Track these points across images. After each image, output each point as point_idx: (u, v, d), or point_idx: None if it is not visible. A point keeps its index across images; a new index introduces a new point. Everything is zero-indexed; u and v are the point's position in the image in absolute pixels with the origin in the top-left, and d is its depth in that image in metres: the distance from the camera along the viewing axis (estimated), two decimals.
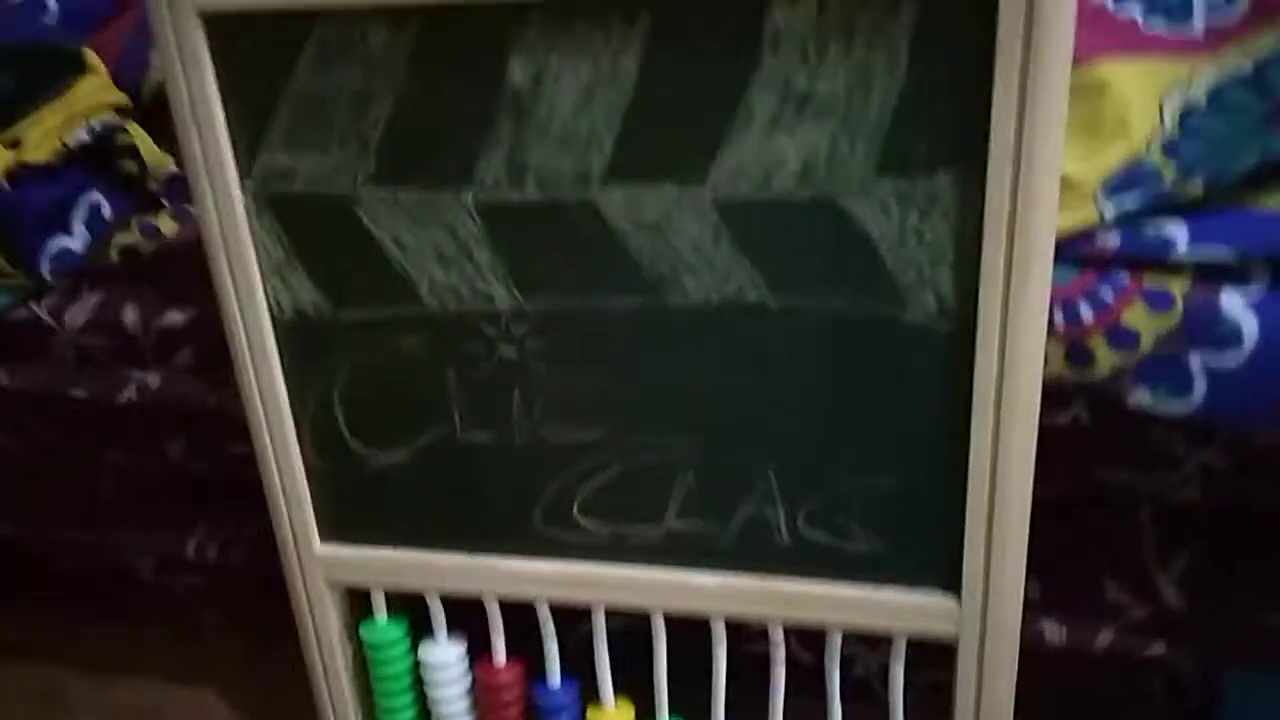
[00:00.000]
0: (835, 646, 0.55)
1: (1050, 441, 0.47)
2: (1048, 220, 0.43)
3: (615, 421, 0.54)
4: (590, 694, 0.62)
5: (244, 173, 0.53)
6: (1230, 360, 0.44)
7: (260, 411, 0.57)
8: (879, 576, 0.53)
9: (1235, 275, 0.44)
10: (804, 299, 0.49)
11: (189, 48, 0.50)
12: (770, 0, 0.43)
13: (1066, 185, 0.47)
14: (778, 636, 0.56)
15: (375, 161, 0.51)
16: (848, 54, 0.43)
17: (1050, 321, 0.46)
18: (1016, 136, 0.42)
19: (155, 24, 0.50)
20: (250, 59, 0.51)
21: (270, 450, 0.58)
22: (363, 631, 0.63)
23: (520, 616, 0.60)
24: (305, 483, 0.59)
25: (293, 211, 0.53)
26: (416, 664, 0.64)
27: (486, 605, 0.60)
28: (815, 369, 0.50)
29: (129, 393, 0.63)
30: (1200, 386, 0.45)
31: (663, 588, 0.56)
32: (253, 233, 0.54)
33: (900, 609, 0.53)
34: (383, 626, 0.63)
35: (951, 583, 0.52)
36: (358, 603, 0.64)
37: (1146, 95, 0.48)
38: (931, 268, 0.46)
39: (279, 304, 0.55)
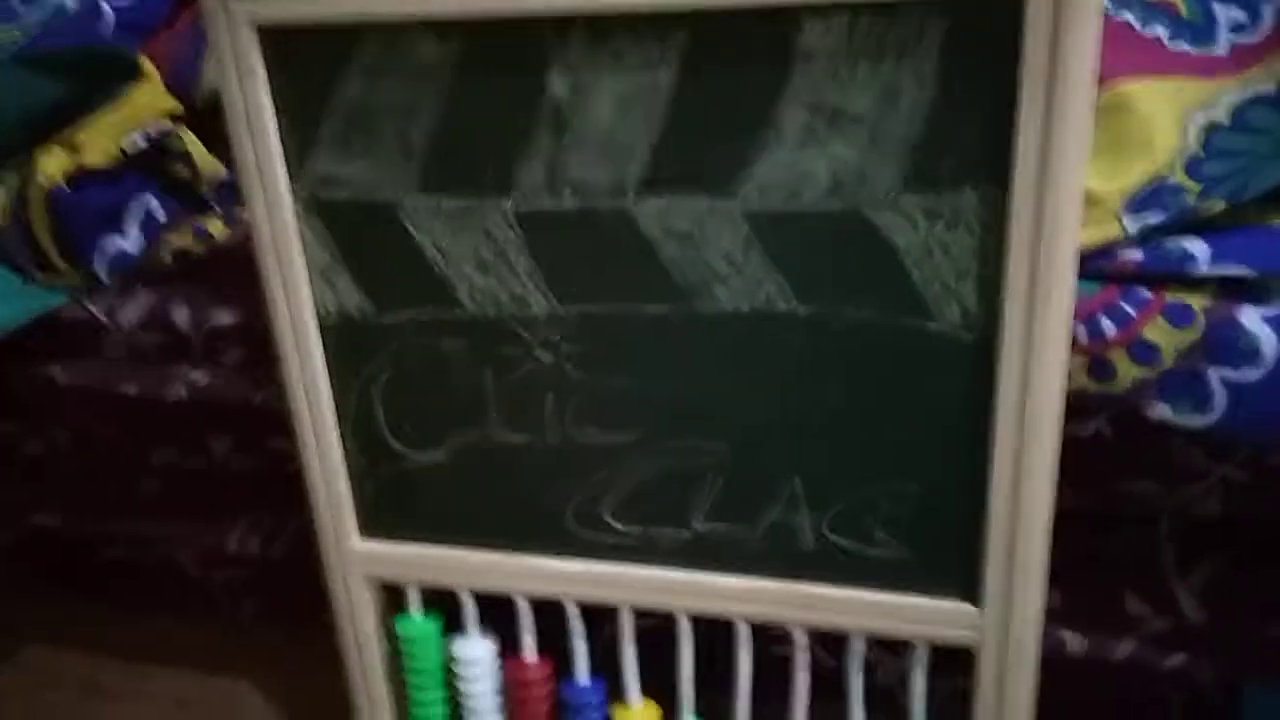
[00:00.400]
0: (857, 652, 0.56)
1: (1072, 453, 0.48)
2: (1071, 236, 0.44)
3: (646, 425, 0.55)
4: (617, 693, 0.63)
5: (293, 179, 0.55)
6: (1249, 375, 0.45)
7: (304, 410, 0.59)
8: (901, 583, 0.54)
9: (1255, 292, 0.45)
10: (832, 308, 0.50)
11: (243, 58, 0.52)
12: (802, 18, 0.45)
13: (1090, 201, 0.48)
14: (801, 640, 0.57)
15: (420, 170, 0.53)
16: (876, 71, 0.45)
17: (1073, 335, 0.47)
18: (1041, 154, 0.43)
19: (212, 35, 0.52)
20: (302, 69, 0.53)
21: (313, 447, 0.60)
22: (397, 626, 0.65)
23: (551, 615, 0.62)
24: (345, 480, 0.61)
25: (339, 217, 0.55)
26: (448, 659, 0.66)
27: (517, 603, 0.62)
28: (842, 377, 0.51)
29: (178, 390, 0.65)
30: (1220, 401, 0.46)
31: (688, 589, 0.58)
32: (301, 237, 0.56)
33: (922, 615, 0.54)
34: (417, 622, 0.65)
35: (973, 590, 0.53)
36: (393, 598, 0.65)
37: (1170, 114, 0.49)
38: (957, 281, 0.47)
39: (324, 306, 0.57)
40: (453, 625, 0.65)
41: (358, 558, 0.62)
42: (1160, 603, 0.55)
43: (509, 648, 0.65)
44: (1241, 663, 0.54)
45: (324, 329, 0.58)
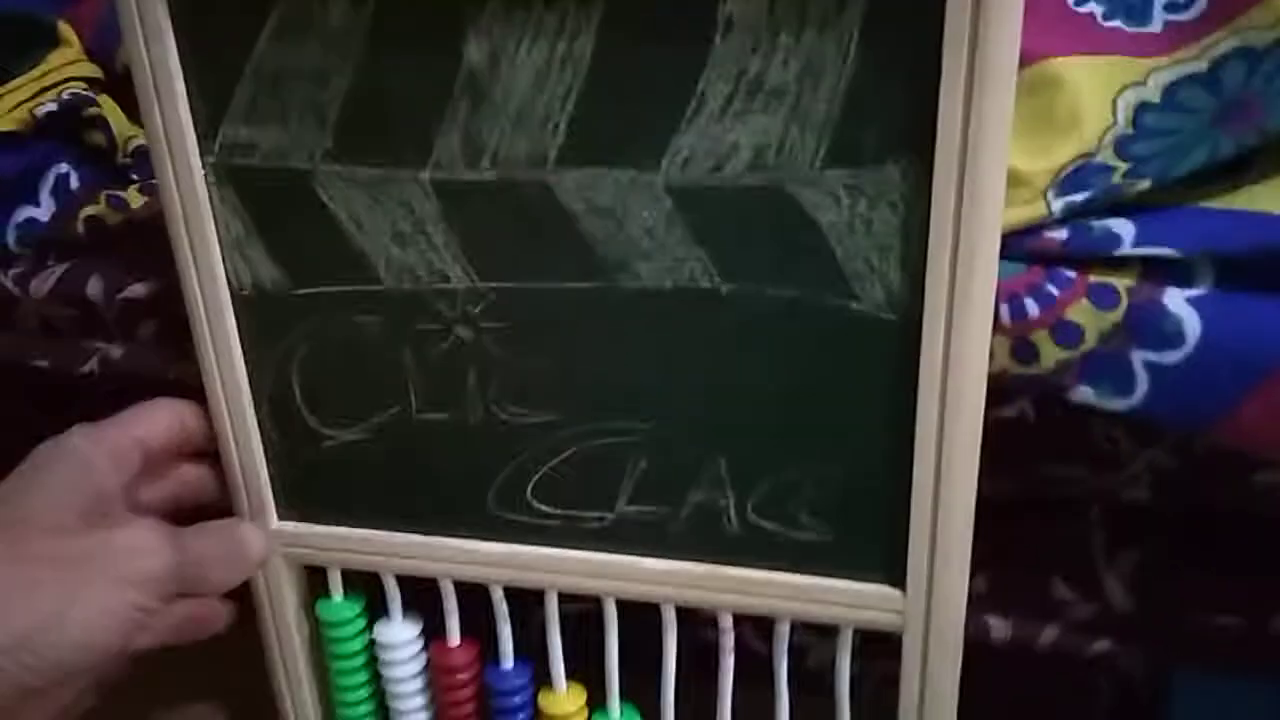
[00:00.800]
0: (783, 635, 0.56)
1: (996, 437, 0.47)
2: (994, 214, 0.43)
3: (568, 405, 0.54)
4: (543, 677, 0.62)
5: (205, 146, 0.53)
6: (1171, 357, 0.44)
7: (219, 386, 0.58)
8: (826, 566, 0.53)
9: (1180, 272, 0.45)
10: (755, 287, 0.49)
11: (151, 20, 0.50)
12: None
13: (1016, 180, 0.47)
14: (727, 623, 0.56)
15: (333, 137, 0.51)
16: (798, 43, 0.44)
17: (996, 316, 0.46)
18: (963, 130, 0.42)
19: None
20: (213, 32, 0.51)
21: (228, 425, 0.58)
22: (319, 610, 0.64)
23: (477, 599, 0.61)
24: (263, 458, 0.59)
25: (253, 186, 0.54)
26: (372, 644, 0.64)
27: (441, 586, 0.61)
28: (766, 357, 0.50)
29: (92, 364, 0.63)
30: (1142, 383, 0.45)
31: (613, 571, 0.56)
32: (213, 206, 0.54)
33: (847, 598, 0.53)
34: (338, 605, 0.63)
35: (897, 574, 0.52)
36: (315, 582, 0.64)
37: (1101, 92, 0.48)
38: (880, 259, 0.46)
39: (238, 279, 0.56)
40: (377, 609, 0.64)
41: (276, 537, 0.61)
42: (1088, 589, 0.55)
43: (434, 629, 0.63)
44: (1170, 650, 0.54)
45: (238, 303, 0.56)
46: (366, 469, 0.58)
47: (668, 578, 0.56)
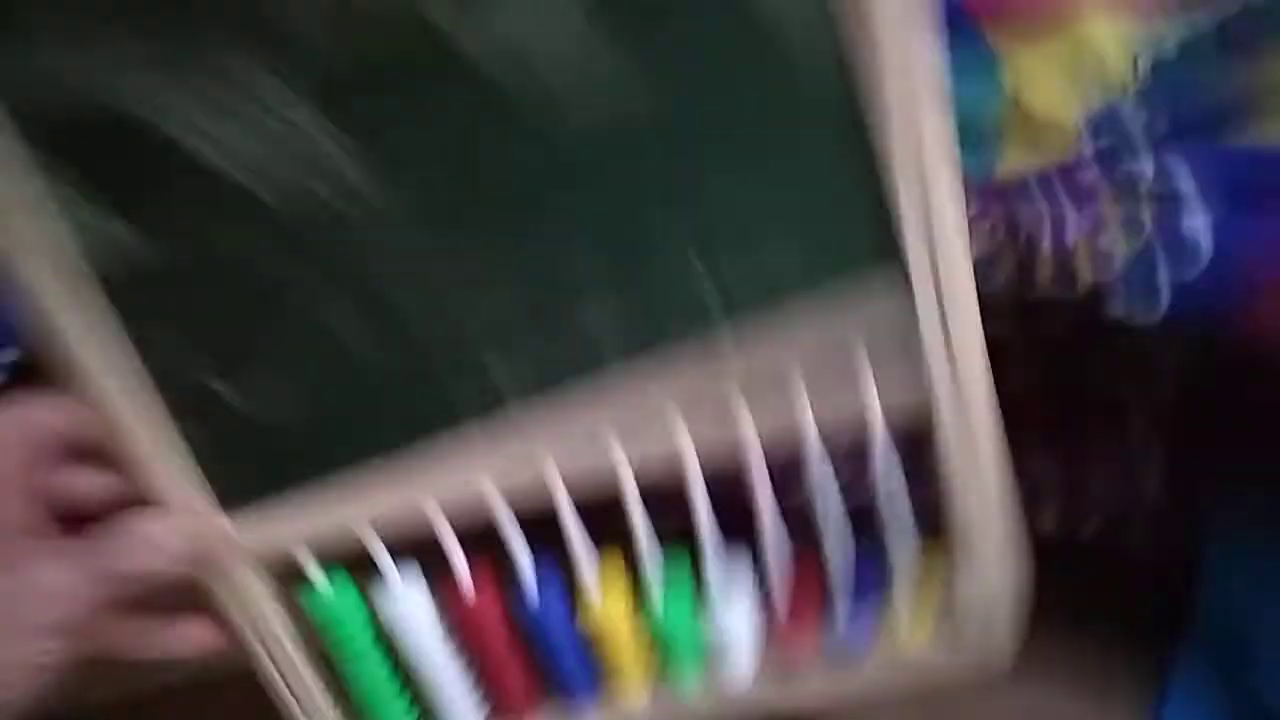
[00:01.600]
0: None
1: (1039, 354, 0.53)
2: None
3: (507, 259, 0.48)
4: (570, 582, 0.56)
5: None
6: (1189, 273, 0.52)
7: (97, 383, 0.48)
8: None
9: (1195, 202, 0.53)
10: (693, 95, 0.44)
11: None
12: None
13: (1051, 124, 0.54)
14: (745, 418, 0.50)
15: (161, 48, 0.42)
16: None
17: (1039, 247, 0.52)
18: None
19: None
20: None
21: (128, 427, 0.49)
22: (302, 603, 0.56)
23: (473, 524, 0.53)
24: (185, 451, 0.50)
25: (74, 132, 0.44)
26: (374, 619, 0.57)
27: (432, 518, 0.53)
28: (714, 146, 0.45)
29: None
30: (1166, 298, 0.53)
31: (617, 410, 0.50)
32: (31, 165, 0.44)
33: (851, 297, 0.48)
34: (324, 593, 0.55)
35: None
36: (292, 580, 0.55)
37: (1122, 43, 0.56)
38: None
39: (92, 253, 0.46)
40: (370, 586, 0.56)
41: (229, 542, 0.52)
42: (1124, 481, 0.61)
43: (439, 583, 0.56)
44: (1201, 531, 0.61)
45: (101, 283, 0.46)
46: (304, 416, 0.50)
47: (667, 391, 0.50)
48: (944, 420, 0.49)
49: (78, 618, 0.46)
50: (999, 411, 0.49)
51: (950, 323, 0.47)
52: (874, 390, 0.49)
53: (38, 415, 0.49)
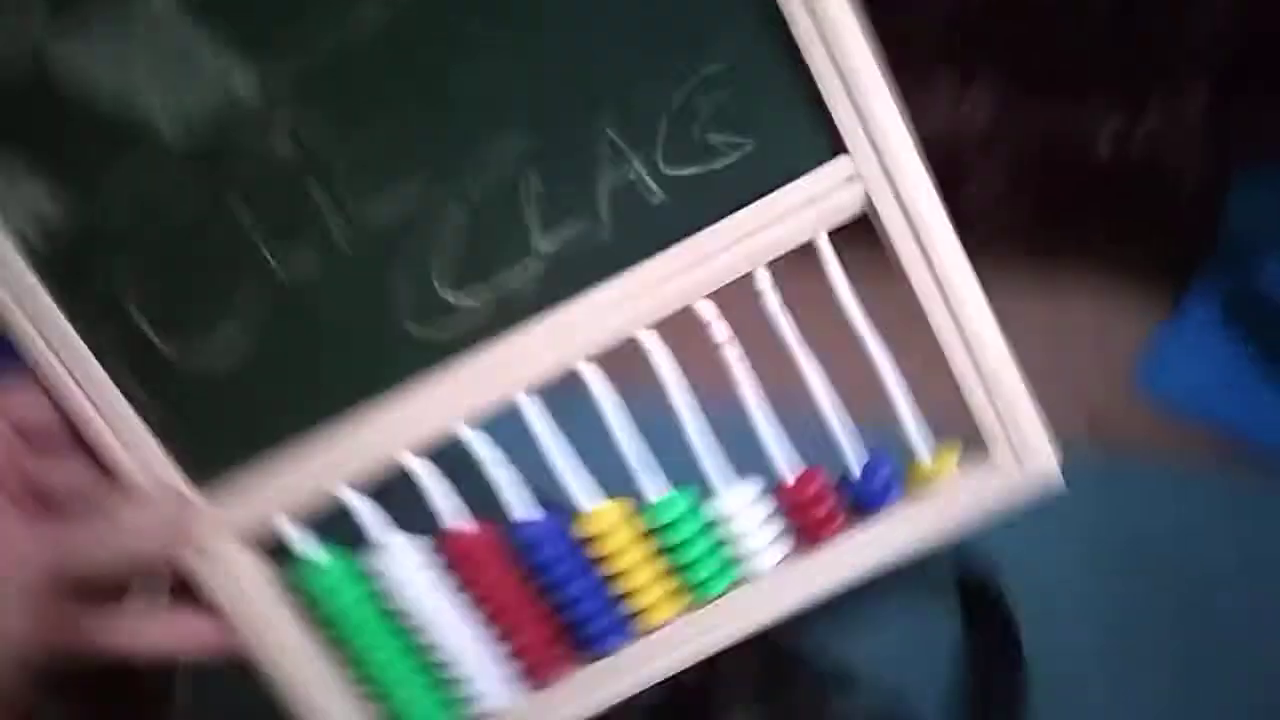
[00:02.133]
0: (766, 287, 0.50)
1: None
2: None
3: (433, 161, 0.48)
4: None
5: None
6: None
7: (55, 365, 0.49)
8: (765, 178, 0.49)
9: None
10: None
11: None
12: None
13: None
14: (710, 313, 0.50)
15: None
16: None
17: None
18: None
19: None
20: None
21: (84, 405, 0.49)
22: (291, 579, 0.53)
23: (450, 463, 0.52)
24: (143, 428, 0.50)
25: None
26: (367, 582, 0.53)
27: (410, 466, 0.51)
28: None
29: None
30: None
31: (576, 330, 0.50)
32: None
33: (800, 198, 0.49)
34: (309, 560, 0.52)
35: (835, 143, 0.48)
36: (278, 560, 0.53)
37: None
38: None
39: (19, 228, 0.47)
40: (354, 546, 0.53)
41: (209, 519, 0.51)
42: (1167, 101, 0.58)
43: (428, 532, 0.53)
44: (1233, 150, 0.59)
45: (31, 257, 0.47)
46: (261, 370, 0.50)
47: (626, 294, 0.50)
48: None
49: (30, 579, 0.45)
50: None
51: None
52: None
53: (9, 403, 0.48)
